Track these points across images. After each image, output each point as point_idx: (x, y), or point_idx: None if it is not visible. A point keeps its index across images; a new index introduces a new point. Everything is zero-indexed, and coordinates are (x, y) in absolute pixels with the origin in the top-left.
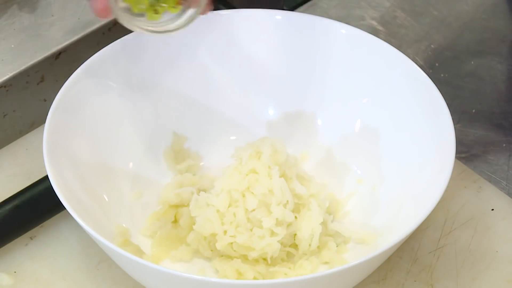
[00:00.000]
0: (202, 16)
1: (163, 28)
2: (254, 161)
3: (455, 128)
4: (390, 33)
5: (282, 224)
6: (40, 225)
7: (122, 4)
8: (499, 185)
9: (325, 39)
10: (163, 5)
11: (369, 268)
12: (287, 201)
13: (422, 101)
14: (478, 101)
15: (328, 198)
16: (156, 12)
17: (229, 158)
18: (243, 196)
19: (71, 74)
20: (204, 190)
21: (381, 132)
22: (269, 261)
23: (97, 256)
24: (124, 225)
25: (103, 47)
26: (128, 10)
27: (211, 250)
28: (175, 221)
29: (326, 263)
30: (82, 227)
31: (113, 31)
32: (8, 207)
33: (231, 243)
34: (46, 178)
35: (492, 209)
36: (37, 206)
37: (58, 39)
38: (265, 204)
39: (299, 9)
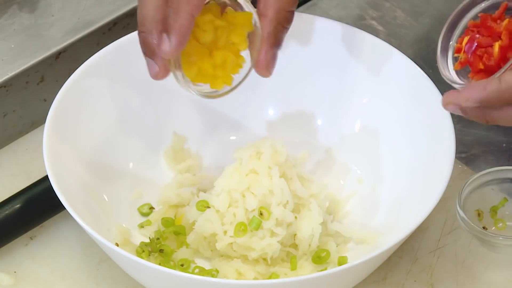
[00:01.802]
0: None
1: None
2: (254, 161)
3: (455, 128)
4: (390, 33)
5: (282, 224)
6: (40, 225)
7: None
8: None
9: (325, 39)
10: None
11: (369, 268)
12: (287, 201)
13: (422, 101)
14: None
15: (328, 198)
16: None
17: (229, 158)
18: (243, 196)
19: (71, 74)
20: (204, 190)
21: (381, 132)
22: (269, 261)
23: (97, 256)
24: (124, 225)
25: (103, 47)
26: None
27: (211, 250)
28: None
29: (326, 263)
30: (82, 227)
31: (113, 31)
32: (8, 207)
33: (231, 243)
34: (46, 178)
35: None
36: (37, 206)
37: (58, 39)
38: (265, 204)
39: (299, 9)
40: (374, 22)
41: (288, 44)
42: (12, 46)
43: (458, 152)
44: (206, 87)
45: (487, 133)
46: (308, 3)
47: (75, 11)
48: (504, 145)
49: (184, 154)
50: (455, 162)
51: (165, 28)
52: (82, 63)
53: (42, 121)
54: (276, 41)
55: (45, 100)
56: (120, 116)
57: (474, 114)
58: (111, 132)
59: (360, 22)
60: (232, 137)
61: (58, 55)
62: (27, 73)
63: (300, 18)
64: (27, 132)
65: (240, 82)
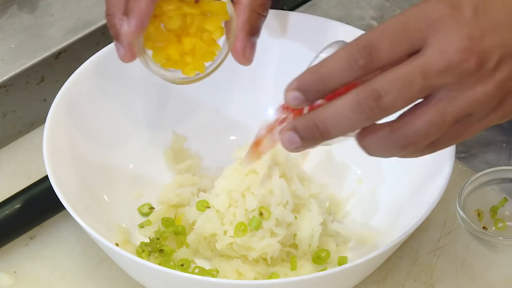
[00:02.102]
0: None
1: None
2: None
3: None
4: None
5: (282, 224)
6: (40, 225)
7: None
8: None
9: (325, 39)
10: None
11: (369, 268)
12: (287, 201)
13: None
14: None
15: (328, 198)
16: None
17: (229, 158)
18: (243, 196)
19: (71, 74)
20: (204, 190)
21: None
22: (269, 262)
23: (97, 256)
24: (124, 225)
25: (103, 47)
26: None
27: (211, 250)
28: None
29: (326, 263)
30: (82, 227)
31: None
32: (8, 207)
33: (231, 243)
34: (46, 178)
35: None
36: (37, 206)
37: (58, 39)
38: (265, 204)
39: (299, 9)
40: (374, 22)
41: (288, 44)
42: (12, 46)
43: (458, 152)
44: (178, 73)
45: (487, 133)
46: (308, 3)
47: (75, 11)
48: (504, 145)
49: (184, 154)
50: (455, 162)
51: (126, 11)
52: (82, 63)
53: (42, 121)
54: (252, 29)
55: (45, 100)
56: (120, 116)
57: (305, 127)
58: (111, 132)
59: (360, 22)
60: (232, 137)
61: (58, 55)
62: (27, 73)
63: (300, 18)
64: (27, 132)
65: (213, 69)
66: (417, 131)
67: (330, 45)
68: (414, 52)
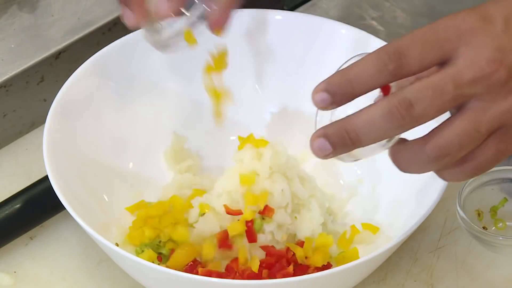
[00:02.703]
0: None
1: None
2: (255, 163)
3: None
4: (390, 33)
5: (283, 226)
6: (40, 225)
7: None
8: None
9: (325, 39)
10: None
11: (369, 268)
12: (287, 202)
13: None
14: None
15: (328, 198)
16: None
17: (229, 158)
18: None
19: (71, 74)
20: (204, 191)
21: None
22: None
23: (97, 256)
24: (124, 225)
25: (103, 47)
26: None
27: (211, 250)
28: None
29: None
30: (82, 227)
31: (113, 31)
32: (8, 207)
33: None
34: (46, 178)
35: None
36: (37, 206)
37: (58, 39)
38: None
39: (299, 9)
40: (374, 22)
41: (288, 44)
42: (12, 46)
43: None
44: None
45: None
46: (308, 3)
47: (75, 11)
48: None
49: (184, 154)
50: None
51: None
52: (82, 63)
53: (42, 121)
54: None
55: (45, 100)
56: (120, 116)
57: (336, 134)
58: (111, 132)
59: (360, 22)
60: (232, 137)
61: (58, 55)
62: (27, 73)
63: (300, 18)
64: (27, 132)
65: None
66: (451, 141)
67: (353, 57)
68: (443, 62)
